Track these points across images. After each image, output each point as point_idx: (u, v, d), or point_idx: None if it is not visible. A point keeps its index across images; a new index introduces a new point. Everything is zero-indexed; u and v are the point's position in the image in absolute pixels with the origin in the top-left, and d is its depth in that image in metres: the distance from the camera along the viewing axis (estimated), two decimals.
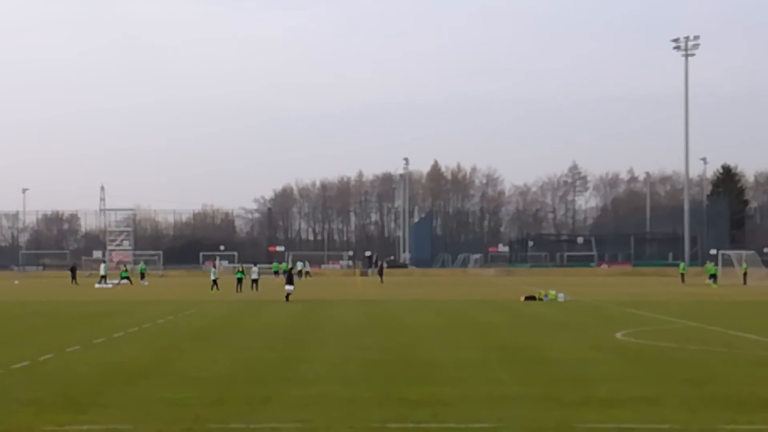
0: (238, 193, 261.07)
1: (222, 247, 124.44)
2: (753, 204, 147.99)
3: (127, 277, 72.71)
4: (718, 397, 14.20)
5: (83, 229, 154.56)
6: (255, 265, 62.42)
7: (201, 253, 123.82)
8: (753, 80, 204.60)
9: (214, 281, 59.95)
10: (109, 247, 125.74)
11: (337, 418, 12.41)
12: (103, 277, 72.04)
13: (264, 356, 19.98)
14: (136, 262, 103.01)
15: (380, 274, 78.81)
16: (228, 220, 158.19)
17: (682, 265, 79.46)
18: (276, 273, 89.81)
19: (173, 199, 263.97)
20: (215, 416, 12.66)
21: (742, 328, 27.17)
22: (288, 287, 43.63)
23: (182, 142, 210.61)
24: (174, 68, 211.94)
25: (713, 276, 70.01)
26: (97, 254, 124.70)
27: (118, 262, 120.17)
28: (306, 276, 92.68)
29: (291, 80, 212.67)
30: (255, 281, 58.54)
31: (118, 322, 30.10)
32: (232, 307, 40.12)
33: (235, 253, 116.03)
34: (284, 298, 42.87)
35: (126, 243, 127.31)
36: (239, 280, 57.56)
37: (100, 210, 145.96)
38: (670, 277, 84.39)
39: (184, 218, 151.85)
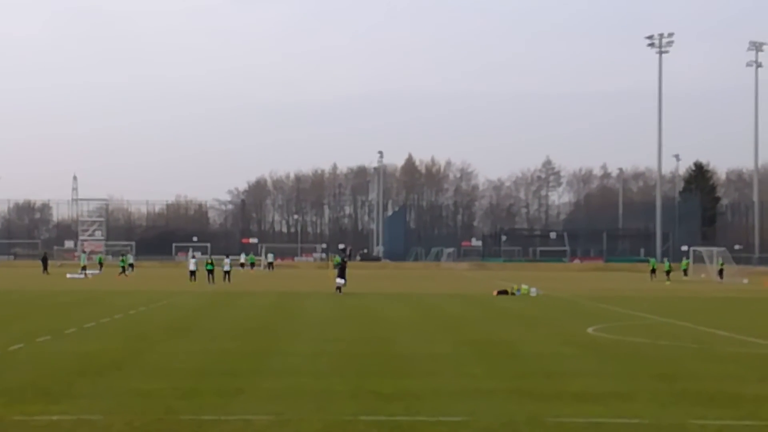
0: (212, 184, 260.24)
1: (195, 239, 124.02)
2: (724, 201, 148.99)
3: (131, 265, 72.40)
4: (688, 392, 14.29)
5: (55, 219, 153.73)
6: (227, 256, 62.26)
7: (174, 244, 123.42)
8: (726, 78, 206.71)
9: (192, 272, 59.67)
10: (81, 237, 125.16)
11: (309, 411, 12.39)
12: (83, 267, 71.95)
13: (236, 348, 19.92)
14: (114, 254, 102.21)
15: None
16: (201, 211, 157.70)
17: (652, 261, 79.67)
18: (252, 265, 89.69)
19: (146, 189, 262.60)
20: (187, 408, 12.60)
21: (713, 324, 27.37)
22: (339, 280, 43.27)
23: (155, 132, 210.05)
24: (148, 58, 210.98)
25: (668, 272, 70.49)
26: (69, 244, 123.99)
27: (91, 252, 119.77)
28: (271, 268, 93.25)
29: (266, 72, 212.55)
30: (227, 273, 58.53)
31: (89, 313, 29.92)
32: (204, 298, 39.96)
33: (208, 245, 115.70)
34: (336, 290, 42.87)
35: (98, 233, 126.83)
36: (210, 272, 57.47)
37: (73, 200, 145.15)
38: (641, 273, 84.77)
39: (157, 209, 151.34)
